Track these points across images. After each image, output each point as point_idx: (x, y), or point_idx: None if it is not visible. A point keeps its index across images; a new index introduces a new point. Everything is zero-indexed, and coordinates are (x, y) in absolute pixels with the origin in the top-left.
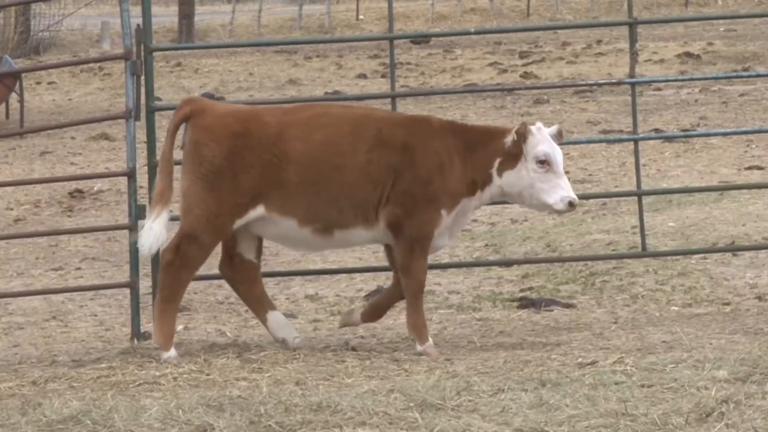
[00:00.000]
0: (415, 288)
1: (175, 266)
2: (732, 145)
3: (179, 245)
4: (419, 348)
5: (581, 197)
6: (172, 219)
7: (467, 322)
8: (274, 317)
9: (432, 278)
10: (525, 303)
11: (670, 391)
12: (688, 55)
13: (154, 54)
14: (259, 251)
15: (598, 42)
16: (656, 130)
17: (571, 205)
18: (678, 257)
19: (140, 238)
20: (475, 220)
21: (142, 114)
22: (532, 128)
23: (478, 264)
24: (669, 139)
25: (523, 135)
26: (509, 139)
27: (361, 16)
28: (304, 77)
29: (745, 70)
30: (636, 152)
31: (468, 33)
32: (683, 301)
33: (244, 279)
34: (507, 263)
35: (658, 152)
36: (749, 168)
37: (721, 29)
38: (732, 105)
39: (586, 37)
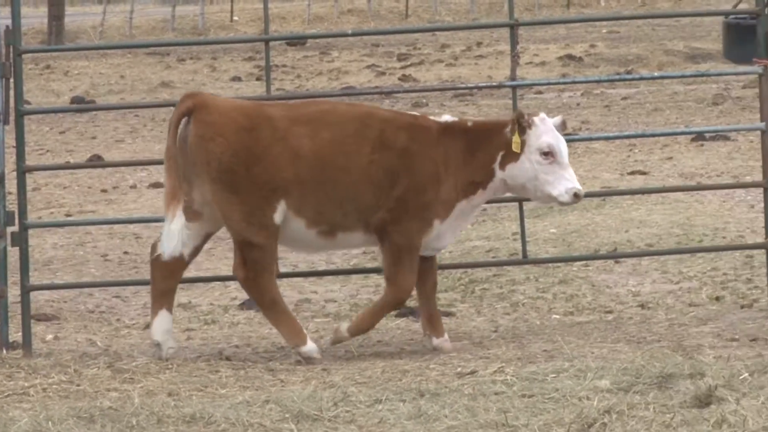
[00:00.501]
0: (397, 300)
1: (252, 279)
2: (614, 150)
3: (243, 258)
4: (334, 340)
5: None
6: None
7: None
8: (162, 318)
9: (308, 286)
10: (403, 311)
11: (551, 402)
12: (570, 57)
13: (24, 56)
14: (196, 251)
15: (478, 44)
16: None
17: (577, 196)
18: (559, 264)
19: (162, 243)
20: None
21: (11, 118)
22: (536, 119)
23: (355, 271)
24: None
25: (526, 125)
26: (508, 131)
27: (235, 18)
28: (177, 80)
29: (628, 72)
30: None
31: (345, 35)
32: (564, 309)
33: (164, 270)
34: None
35: None
36: (632, 173)
37: (604, 31)
38: (614, 108)
39: (465, 39)
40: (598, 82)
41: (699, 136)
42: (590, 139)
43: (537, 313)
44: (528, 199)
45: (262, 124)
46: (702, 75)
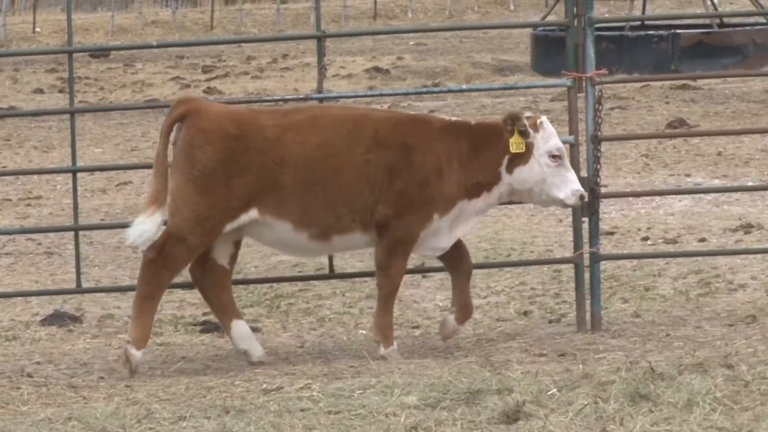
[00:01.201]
0: (390, 289)
1: (157, 265)
2: None
3: (164, 245)
4: (382, 351)
5: None
6: None
7: (148, 347)
8: (239, 327)
9: (111, 302)
10: (208, 327)
11: (357, 418)
12: (377, 69)
13: None
14: (233, 258)
15: (285, 56)
16: None
17: (582, 198)
18: (366, 279)
19: (129, 230)
20: None
21: None
22: (542, 121)
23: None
24: None
25: (535, 128)
26: (507, 132)
27: (38, 29)
28: None
29: (436, 85)
30: None
31: (150, 46)
32: (371, 324)
33: (213, 284)
34: (189, 286)
35: None
36: None
37: (411, 43)
38: None
39: (271, 51)
40: (405, 94)
41: None
42: None
43: (344, 329)
44: None
45: (252, 133)
46: (510, 88)
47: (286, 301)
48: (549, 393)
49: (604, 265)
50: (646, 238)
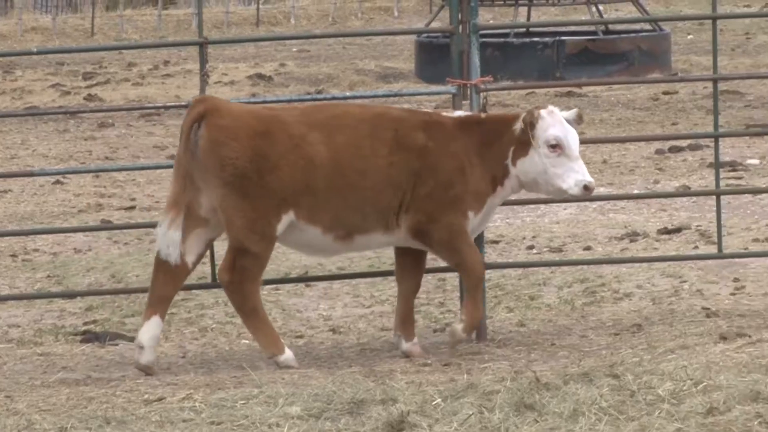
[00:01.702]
0: (476, 280)
1: (237, 284)
2: None
3: (234, 261)
4: (458, 327)
5: (148, 226)
6: None
7: (28, 357)
8: (152, 324)
9: None
10: (89, 337)
11: (240, 429)
12: (260, 76)
13: None
14: (199, 258)
15: (166, 63)
16: None
17: (587, 188)
18: None
19: (156, 244)
20: (36, 250)
21: None
22: (542, 112)
23: (39, 296)
24: None
25: (530, 122)
26: (518, 127)
27: None
28: None
29: (319, 92)
30: None
31: (29, 53)
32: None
33: (166, 273)
34: (70, 295)
35: None
36: None
37: (294, 50)
38: None
39: (153, 57)
40: (288, 101)
41: None
42: None
43: (226, 339)
44: None
45: (277, 129)
46: (394, 95)
47: (168, 311)
48: (434, 403)
49: (489, 273)
50: (531, 247)
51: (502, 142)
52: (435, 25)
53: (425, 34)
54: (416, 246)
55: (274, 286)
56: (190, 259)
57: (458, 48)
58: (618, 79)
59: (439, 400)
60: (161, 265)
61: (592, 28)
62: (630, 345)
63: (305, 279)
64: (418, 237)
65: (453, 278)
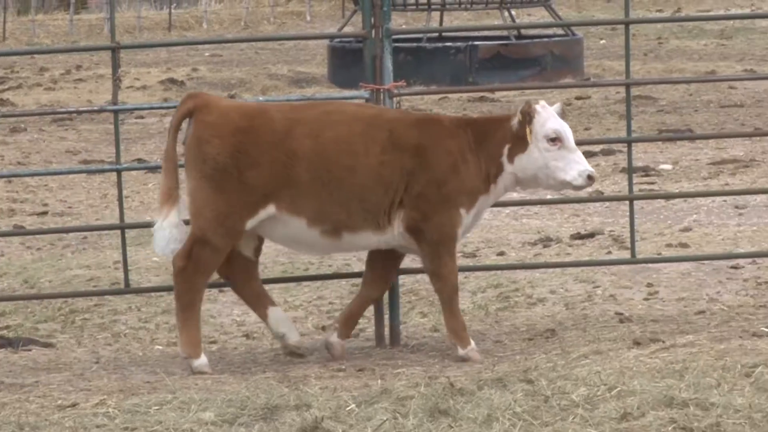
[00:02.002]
0: (449, 291)
1: (189, 272)
2: None
3: (191, 250)
4: (461, 352)
5: (61, 231)
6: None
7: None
8: (274, 313)
9: None
10: (1, 342)
11: None
12: (172, 81)
13: None
14: (258, 250)
15: (78, 67)
16: (139, 160)
17: (590, 178)
18: (162, 294)
19: (154, 242)
20: None
21: None
22: (537, 107)
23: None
24: (153, 169)
25: (528, 115)
26: (515, 122)
27: None
28: None
29: (231, 97)
30: (119, 183)
31: None
32: (168, 339)
33: (242, 277)
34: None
35: (141, 183)
36: None
37: (207, 54)
38: None
39: (65, 62)
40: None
41: None
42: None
43: (139, 344)
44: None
45: (261, 125)
46: (307, 99)
47: (81, 316)
48: (348, 408)
49: (402, 279)
50: None
51: (495, 140)
52: (348, 29)
53: (338, 39)
54: (408, 246)
55: None
56: (249, 252)
57: (371, 53)
58: (531, 84)
59: (353, 405)
60: (231, 274)
61: (505, 32)
62: (544, 350)
63: (219, 285)
64: (413, 234)
65: None
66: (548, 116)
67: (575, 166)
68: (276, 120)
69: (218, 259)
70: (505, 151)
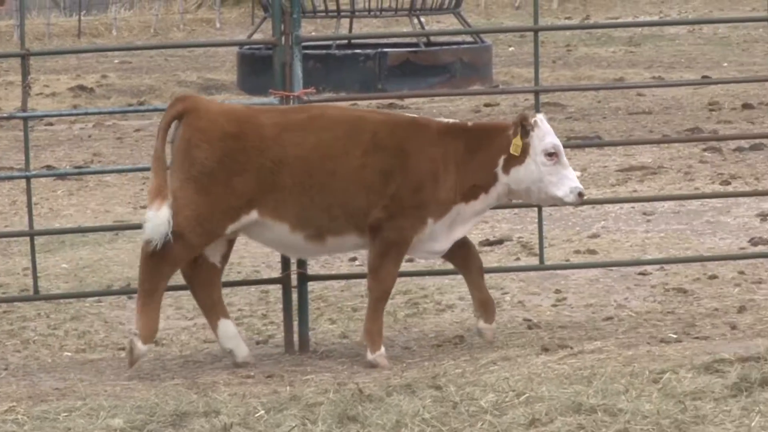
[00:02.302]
0: (380, 293)
1: (156, 259)
2: (128, 183)
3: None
4: (370, 357)
5: None
6: None
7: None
8: (225, 326)
9: None
10: None
11: None
12: (82, 88)
13: None
14: (225, 257)
15: None
16: (48, 167)
17: (581, 195)
18: (71, 300)
19: (144, 229)
20: None
21: None
22: (537, 120)
23: None
24: (62, 176)
25: (530, 127)
26: (513, 133)
27: None
28: None
29: (141, 104)
30: (28, 190)
31: None
32: (77, 346)
33: (203, 281)
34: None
35: (50, 190)
36: (145, 206)
37: (116, 61)
38: (127, 141)
39: None
40: (110, 113)
41: None
42: (102, 172)
43: (48, 351)
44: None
45: (250, 130)
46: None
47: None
48: (257, 415)
49: (311, 285)
50: (354, 259)
51: (491, 149)
52: (257, 36)
53: (247, 46)
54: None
55: (97, 298)
56: (216, 260)
57: (281, 60)
58: (440, 91)
59: (262, 412)
60: (194, 278)
61: (414, 40)
62: (452, 356)
63: (128, 291)
64: (372, 232)
65: (276, 290)
66: (547, 130)
67: (567, 182)
68: (264, 126)
69: (188, 254)
70: (501, 161)
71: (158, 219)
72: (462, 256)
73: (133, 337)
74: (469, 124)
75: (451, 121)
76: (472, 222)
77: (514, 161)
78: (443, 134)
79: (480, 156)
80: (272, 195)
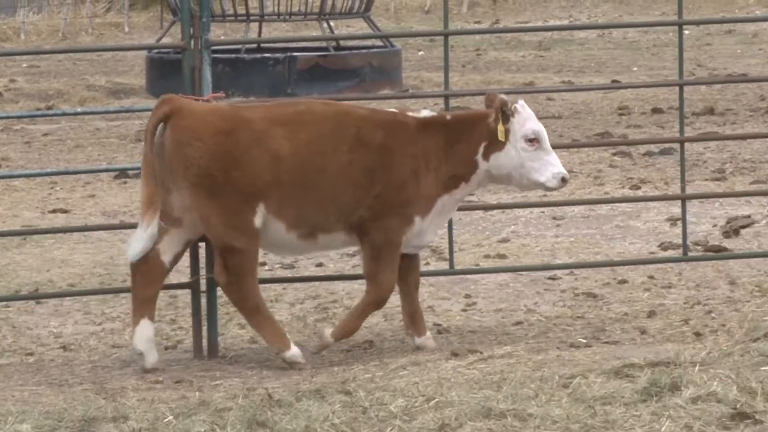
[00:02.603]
0: (377, 298)
1: (234, 283)
2: (36, 188)
3: (224, 262)
4: (326, 340)
5: None
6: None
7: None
8: (143, 329)
9: None
10: None
11: None
12: None
13: None
14: (176, 258)
15: None
16: None
17: (564, 180)
18: None
19: (129, 246)
20: None
21: None
22: (518, 106)
23: None
24: None
25: (510, 113)
26: (493, 120)
27: None
28: None
29: (49, 108)
30: None
31: None
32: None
33: (146, 274)
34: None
35: None
36: (53, 211)
37: (24, 65)
38: (35, 145)
39: None
40: (18, 117)
41: (122, 173)
42: (10, 177)
43: None
44: None
45: (240, 126)
46: (126, 111)
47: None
48: (165, 420)
49: (220, 290)
50: (263, 263)
51: (471, 138)
52: (166, 40)
53: (156, 50)
54: (356, 245)
55: (4, 303)
56: (166, 258)
57: (190, 64)
58: (349, 96)
59: (170, 417)
60: (138, 267)
61: (324, 44)
62: (362, 361)
63: (36, 296)
64: (357, 232)
65: (185, 295)
66: (527, 116)
67: (550, 167)
68: (253, 121)
69: (252, 259)
70: (481, 149)
71: (144, 242)
72: (403, 266)
73: (280, 355)
74: (448, 117)
75: (429, 114)
76: (453, 210)
77: (494, 148)
78: (421, 130)
79: (460, 147)
80: (276, 190)
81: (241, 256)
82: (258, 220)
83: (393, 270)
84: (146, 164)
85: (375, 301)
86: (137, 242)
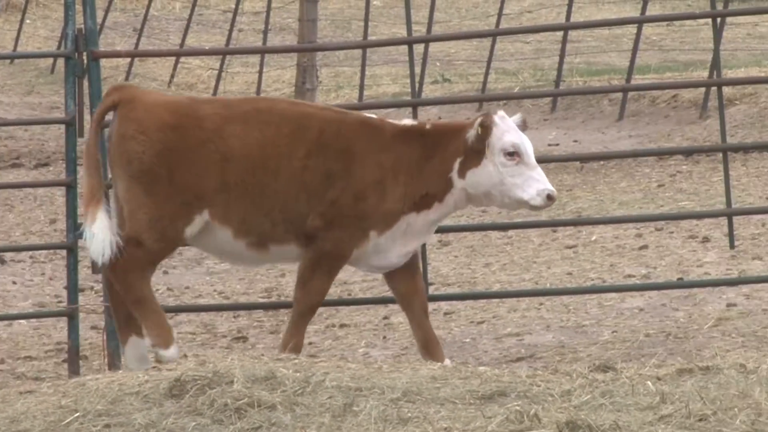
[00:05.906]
0: (306, 306)
1: (121, 272)
2: None
3: (123, 248)
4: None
5: None
6: None
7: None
8: (135, 344)
9: None
10: None
11: None
12: None
13: None
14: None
15: None
16: None
17: (550, 198)
18: None
19: (90, 250)
20: None
21: None
22: (495, 118)
23: None
24: None
25: (487, 127)
26: (472, 134)
27: None
28: None
29: None
30: None
31: None
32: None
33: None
34: None
35: None
36: None
37: None
38: None
39: None
40: None
41: None
42: None
43: None
44: None
45: (190, 122)
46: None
47: None
48: None
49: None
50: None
51: (445, 153)
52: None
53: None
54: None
55: None
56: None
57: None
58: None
59: None
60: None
61: None
62: None
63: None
64: (307, 240)
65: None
66: (506, 128)
67: (534, 184)
68: (206, 117)
69: (151, 261)
70: (456, 165)
71: (99, 236)
72: (405, 290)
73: (155, 351)
74: (428, 126)
75: (409, 122)
76: (427, 233)
77: (470, 164)
78: (397, 138)
79: (434, 161)
80: (220, 195)
81: (145, 254)
82: (191, 230)
83: (328, 280)
84: (89, 155)
85: (304, 311)
86: (93, 242)
